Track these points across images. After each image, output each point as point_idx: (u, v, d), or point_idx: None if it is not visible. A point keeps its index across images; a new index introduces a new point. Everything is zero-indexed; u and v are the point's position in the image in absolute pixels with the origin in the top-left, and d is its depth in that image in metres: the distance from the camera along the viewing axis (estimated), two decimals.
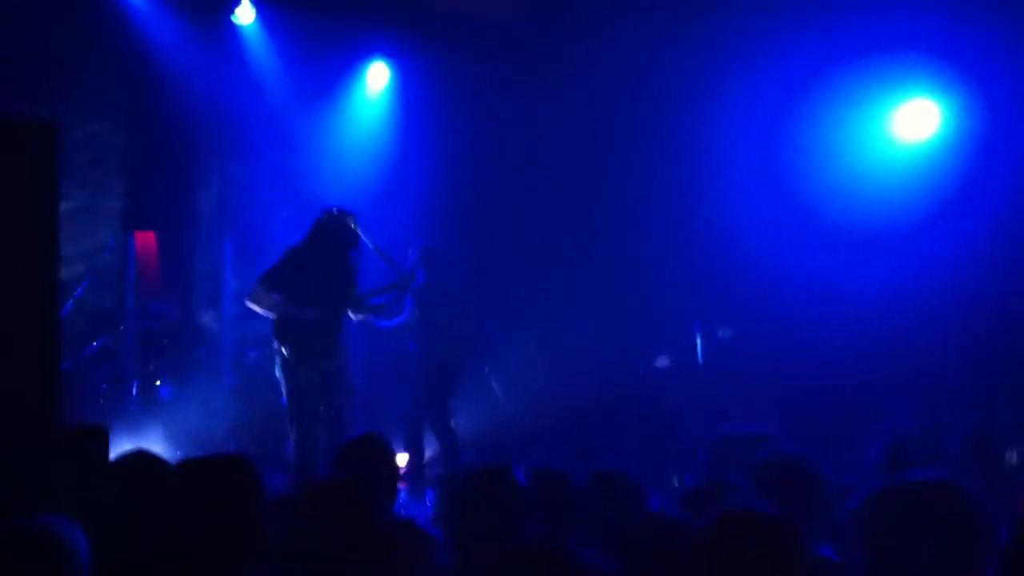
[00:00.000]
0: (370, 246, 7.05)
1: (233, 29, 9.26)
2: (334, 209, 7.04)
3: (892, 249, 8.48)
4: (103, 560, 3.20)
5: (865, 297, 8.42)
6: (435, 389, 7.92)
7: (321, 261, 6.98)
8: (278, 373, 6.99)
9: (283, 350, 6.87)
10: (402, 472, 8.25)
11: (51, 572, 2.44)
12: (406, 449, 7.97)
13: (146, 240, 8.84)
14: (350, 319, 7.24)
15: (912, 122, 8.72)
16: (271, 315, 6.99)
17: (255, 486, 2.81)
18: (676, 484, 6.87)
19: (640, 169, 9.62)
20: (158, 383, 8.48)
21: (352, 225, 6.96)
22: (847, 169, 8.72)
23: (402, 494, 7.03)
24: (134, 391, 8.33)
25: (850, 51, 8.51)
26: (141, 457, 3.69)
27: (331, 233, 6.96)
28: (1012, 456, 5.90)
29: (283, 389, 6.98)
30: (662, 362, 8.94)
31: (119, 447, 7.08)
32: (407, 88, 10.29)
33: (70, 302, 8.22)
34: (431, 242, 8.22)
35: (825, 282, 8.60)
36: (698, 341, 8.83)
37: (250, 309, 7.30)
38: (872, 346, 8.35)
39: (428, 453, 8.27)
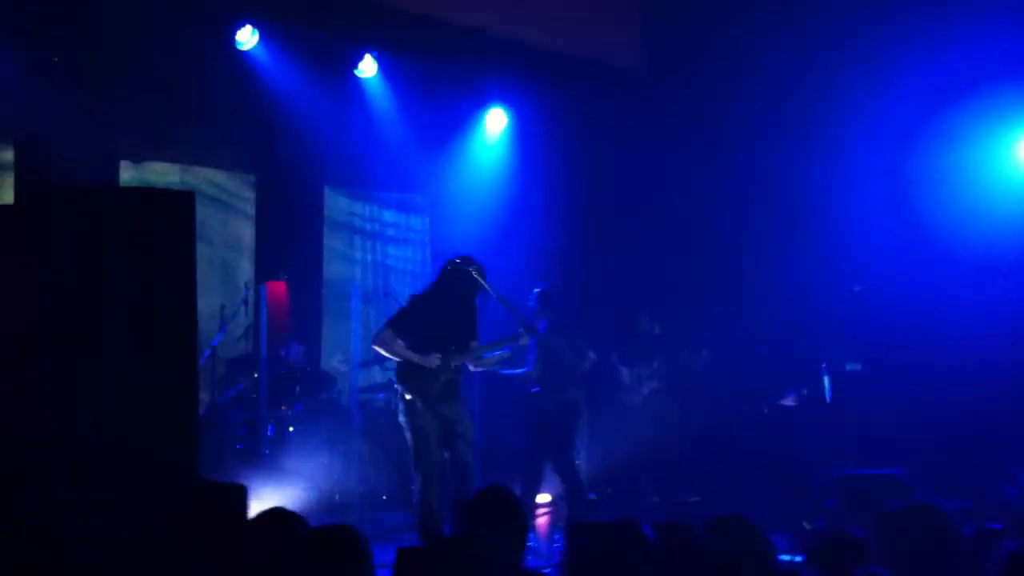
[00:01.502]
0: (493, 295, 7.14)
1: (356, 81, 9.51)
2: (459, 258, 7.17)
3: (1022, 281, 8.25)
4: None
5: (997, 330, 8.19)
6: (559, 430, 7.94)
7: (444, 309, 7.10)
8: (401, 418, 7.12)
9: (405, 395, 7.00)
10: (544, 512, 8.36)
11: None
12: (523, 492, 8.03)
13: (276, 289, 9.13)
14: (469, 368, 7.35)
15: None
16: (395, 359, 7.13)
17: (363, 560, 2.90)
18: (807, 528, 6.77)
19: (761, 200, 9.55)
20: (291, 427, 8.73)
21: (476, 275, 7.06)
22: (977, 198, 8.53)
23: (531, 538, 7.07)
24: (269, 434, 8.58)
25: (978, 76, 8.34)
26: (278, 515, 3.82)
27: (455, 282, 7.10)
28: None
29: (406, 434, 7.09)
30: (789, 400, 8.82)
31: (256, 489, 7.33)
32: (524, 131, 10.44)
33: (208, 351, 8.53)
34: (546, 284, 8.29)
35: (954, 314, 8.40)
36: (825, 377, 8.70)
37: (375, 353, 7.48)
38: (1006, 381, 8.11)
39: (554, 492, 8.32)
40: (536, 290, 8.22)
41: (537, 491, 8.02)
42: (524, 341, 7.36)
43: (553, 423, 7.93)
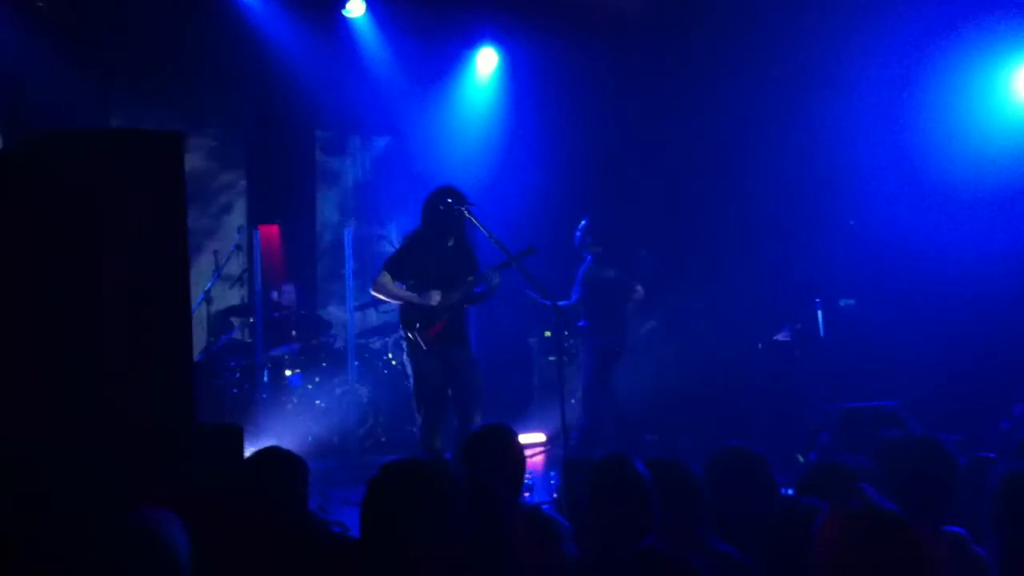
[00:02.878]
0: (481, 230, 6.92)
1: (344, 22, 9.41)
2: (436, 190, 6.95)
3: (1018, 216, 8.22)
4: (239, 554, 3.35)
5: (989, 265, 8.19)
6: (599, 363, 8.00)
7: (436, 245, 6.95)
8: (403, 357, 7.03)
9: (408, 336, 6.92)
10: (540, 451, 8.40)
11: (143, 564, 2.49)
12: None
13: (270, 233, 9.10)
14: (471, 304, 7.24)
15: None
16: (395, 302, 7.06)
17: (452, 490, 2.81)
18: (801, 461, 6.81)
19: (755, 139, 9.48)
20: (287, 371, 8.74)
21: (454, 203, 6.80)
22: (970, 135, 8.46)
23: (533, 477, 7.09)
24: (265, 379, 8.59)
25: (974, 9, 8.26)
26: (273, 453, 3.83)
27: (437, 214, 6.86)
28: None
29: (408, 374, 7.02)
30: (783, 336, 8.84)
31: (253, 433, 7.35)
32: (515, 72, 10.34)
33: (201, 296, 8.52)
34: (588, 217, 8.24)
35: (947, 250, 8.39)
36: (819, 312, 8.72)
37: (373, 297, 7.40)
38: (997, 315, 8.12)
39: (549, 430, 8.38)
40: (581, 224, 8.20)
41: (602, 418, 8.02)
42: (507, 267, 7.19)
43: (601, 357, 7.96)
